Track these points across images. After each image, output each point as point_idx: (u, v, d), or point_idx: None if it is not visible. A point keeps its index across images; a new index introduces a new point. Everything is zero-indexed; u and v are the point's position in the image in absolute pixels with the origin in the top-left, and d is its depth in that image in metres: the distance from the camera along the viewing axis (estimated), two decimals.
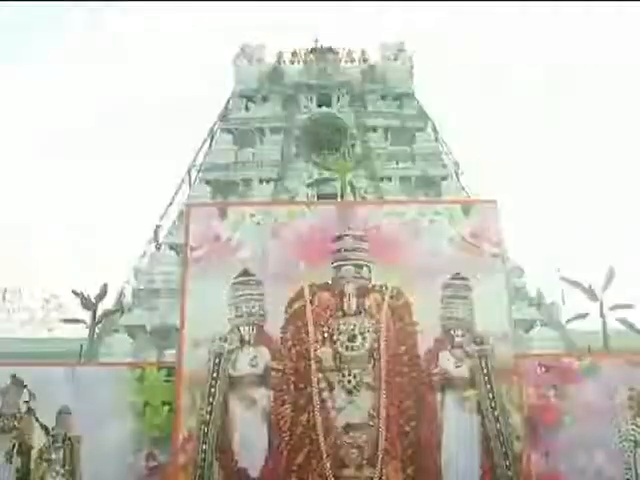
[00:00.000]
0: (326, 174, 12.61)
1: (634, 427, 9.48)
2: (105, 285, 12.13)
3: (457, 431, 9.21)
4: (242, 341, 9.50)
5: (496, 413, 9.27)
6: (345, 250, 9.90)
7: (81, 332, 14.26)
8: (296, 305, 9.60)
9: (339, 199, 11.64)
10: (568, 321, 12.60)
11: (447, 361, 9.47)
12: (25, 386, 9.61)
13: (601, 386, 9.62)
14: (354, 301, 9.61)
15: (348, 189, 11.90)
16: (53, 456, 9.30)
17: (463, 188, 15.93)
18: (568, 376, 9.64)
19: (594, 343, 11.23)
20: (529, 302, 13.74)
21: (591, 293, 11.38)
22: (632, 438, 9.42)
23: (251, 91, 26.11)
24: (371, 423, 9.15)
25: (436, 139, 21.77)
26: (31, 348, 14.55)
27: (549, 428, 9.35)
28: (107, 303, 13.06)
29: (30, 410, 9.50)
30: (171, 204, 15.64)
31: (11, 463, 9.28)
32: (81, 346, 11.72)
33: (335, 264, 9.81)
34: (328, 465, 8.99)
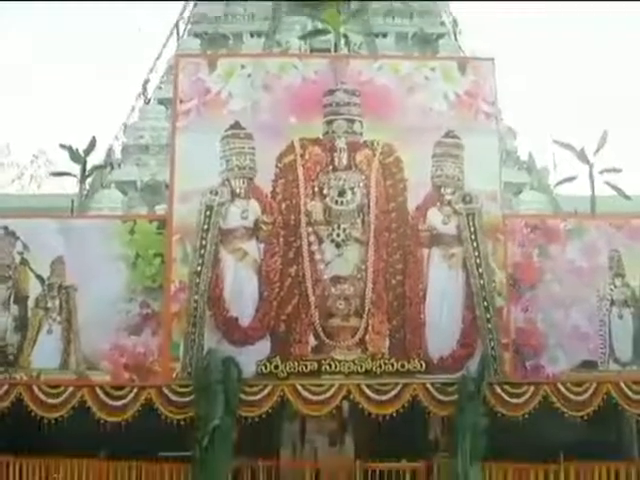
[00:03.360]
0: (319, 26, 12.05)
1: (612, 287, 9.79)
2: (94, 138, 11.93)
3: (442, 286, 9.50)
4: (233, 194, 9.53)
5: (480, 270, 9.52)
6: (337, 104, 9.72)
7: (71, 189, 14.22)
8: (286, 159, 9.56)
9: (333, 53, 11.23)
10: (557, 184, 12.67)
11: (435, 218, 9.59)
12: (18, 238, 9.67)
13: (584, 247, 9.83)
14: (345, 156, 9.57)
15: (342, 43, 11.44)
16: (49, 304, 9.54)
17: (460, 47, 15.38)
18: (553, 237, 9.82)
19: (581, 208, 11.28)
20: (520, 166, 13.70)
21: (582, 156, 11.35)
22: (609, 297, 9.76)
23: None
24: (359, 276, 9.41)
25: None
26: (21, 203, 14.49)
27: (530, 286, 9.63)
28: (96, 159, 12.93)
29: (24, 261, 9.63)
30: (159, 58, 15.12)
31: (9, 311, 9.50)
32: (72, 201, 11.68)
33: (326, 118, 9.68)
34: (316, 315, 9.32)
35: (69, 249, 9.56)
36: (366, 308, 9.35)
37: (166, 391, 9.17)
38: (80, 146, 12.14)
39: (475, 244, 9.53)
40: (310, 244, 9.40)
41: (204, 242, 9.40)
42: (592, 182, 11.39)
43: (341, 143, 9.59)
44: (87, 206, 12.40)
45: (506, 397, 9.29)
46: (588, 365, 9.52)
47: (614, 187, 11.49)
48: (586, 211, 11.15)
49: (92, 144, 12.13)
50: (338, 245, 9.41)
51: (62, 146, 12.15)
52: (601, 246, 9.85)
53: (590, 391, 9.39)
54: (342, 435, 10.24)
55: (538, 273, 9.65)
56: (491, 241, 9.58)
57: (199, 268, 9.37)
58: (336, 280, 9.37)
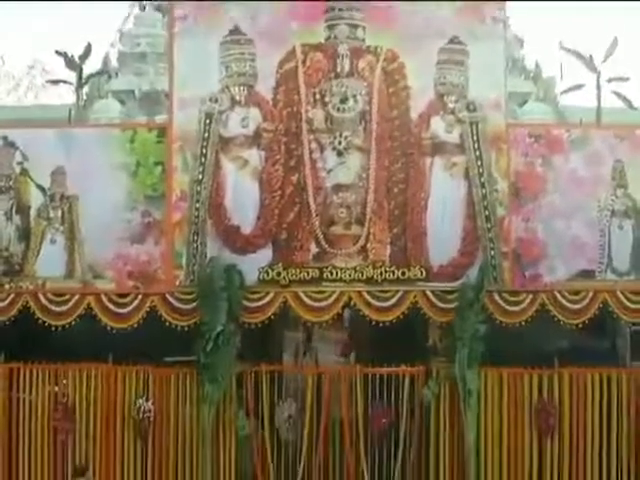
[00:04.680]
0: None
1: (614, 198, 9.76)
2: (89, 45, 11.66)
3: (443, 194, 9.48)
4: (233, 101, 9.38)
5: (483, 179, 9.48)
6: (339, 9, 9.41)
7: (68, 99, 14.03)
8: (287, 66, 9.34)
9: None
10: (564, 92, 12.41)
11: (438, 126, 9.46)
12: (17, 148, 9.59)
13: (587, 158, 9.73)
14: (347, 62, 9.36)
15: None
16: (51, 215, 9.55)
17: None
18: (556, 146, 9.71)
19: (586, 120, 11.13)
20: (526, 75, 13.41)
21: (590, 64, 11.08)
22: (610, 208, 9.75)
23: None
24: (360, 184, 9.39)
25: None
26: (19, 114, 14.33)
27: (532, 196, 9.59)
28: (93, 69, 12.68)
29: (24, 171, 9.58)
30: None
31: (11, 222, 9.53)
32: (69, 110, 11.53)
33: (328, 23, 9.40)
34: (317, 223, 9.36)
35: (69, 159, 9.49)
36: (367, 216, 9.37)
37: (170, 298, 9.31)
38: (76, 54, 11.93)
39: (478, 153, 9.45)
40: (311, 152, 9.32)
41: (204, 150, 9.32)
42: (599, 91, 11.23)
43: (343, 49, 9.35)
44: (85, 117, 12.25)
45: (504, 305, 9.43)
46: (586, 274, 9.61)
47: (621, 96, 11.31)
48: (591, 122, 11.00)
49: (87, 51, 11.90)
50: (340, 153, 9.33)
51: (57, 53, 11.92)
52: (605, 157, 9.74)
53: (587, 300, 9.52)
54: (343, 342, 10.54)
55: (540, 183, 9.60)
56: (494, 150, 9.48)
57: (200, 176, 9.33)
58: (337, 188, 9.34)
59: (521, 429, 9.37)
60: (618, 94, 11.15)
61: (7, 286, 9.42)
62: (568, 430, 9.38)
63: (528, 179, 9.59)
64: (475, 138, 9.44)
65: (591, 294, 9.53)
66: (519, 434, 9.37)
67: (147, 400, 9.30)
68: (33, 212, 9.54)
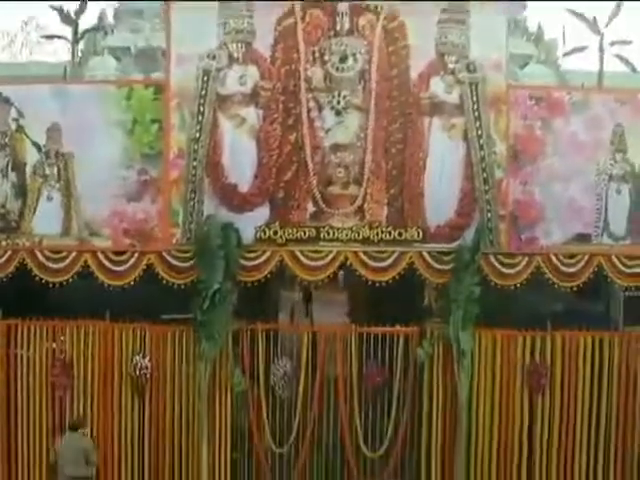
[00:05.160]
0: None
1: (612, 162, 9.74)
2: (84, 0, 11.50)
3: (442, 156, 9.45)
4: (231, 59, 9.26)
5: (481, 141, 9.44)
6: None
7: (63, 56, 13.79)
8: (286, 23, 9.21)
9: None
10: (566, 54, 12.25)
11: (438, 86, 9.37)
12: (12, 104, 9.49)
13: (587, 121, 9.68)
14: (347, 20, 9.23)
15: None
16: (47, 172, 9.51)
17: None
18: (557, 109, 9.65)
19: (588, 84, 11.00)
20: (527, 37, 13.22)
21: (593, 26, 10.95)
22: (608, 172, 9.73)
23: None
24: (358, 144, 9.34)
25: None
26: (14, 71, 14.07)
27: (530, 158, 9.57)
28: (88, 25, 12.45)
29: (20, 127, 9.50)
30: None
31: (7, 179, 9.49)
32: (65, 67, 11.35)
33: None
34: (315, 182, 9.34)
35: (65, 116, 9.41)
36: (365, 176, 9.35)
37: (167, 256, 9.34)
38: (71, 10, 11.71)
39: (477, 114, 9.38)
40: (310, 111, 9.24)
41: (202, 108, 9.24)
42: (601, 54, 11.08)
43: (343, 7, 9.21)
44: (81, 74, 12.05)
45: (500, 267, 9.48)
46: (582, 238, 9.65)
47: (623, 60, 11.18)
48: (593, 86, 10.88)
49: (83, 6, 11.69)
50: (338, 112, 9.26)
51: (52, 7, 11.72)
52: (605, 120, 9.69)
53: (582, 263, 9.58)
54: (338, 302, 10.61)
55: (539, 146, 9.56)
56: (493, 112, 9.42)
57: (197, 134, 9.27)
58: (335, 148, 9.30)
59: (513, 389, 9.52)
60: (621, 57, 11.03)
61: (4, 243, 9.43)
62: (559, 391, 9.53)
63: (527, 142, 9.55)
64: (475, 99, 9.37)
65: (586, 258, 9.59)
66: (511, 394, 9.52)
67: (144, 357, 9.39)
68: (29, 169, 9.50)
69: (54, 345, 9.55)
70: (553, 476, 9.57)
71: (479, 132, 9.41)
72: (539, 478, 9.55)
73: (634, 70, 11.22)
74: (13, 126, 9.48)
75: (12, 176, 9.52)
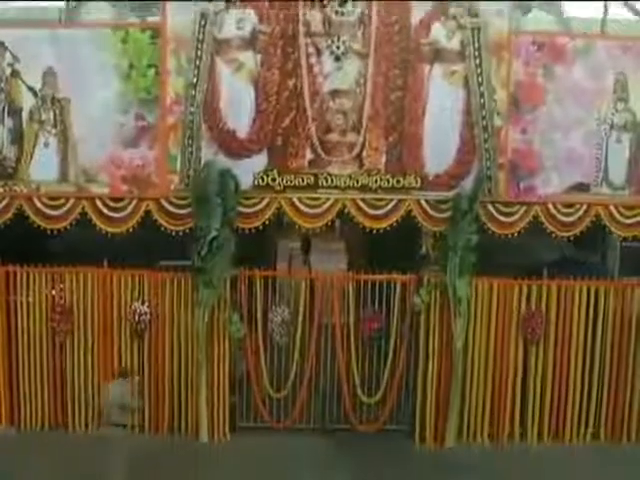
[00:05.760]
0: None
1: (614, 111, 9.63)
2: None
3: (442, 103, 9.33)
4: (228, 2, 9.06)
5: (482, 88, 9.31)
6: None
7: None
8: None
9: None
10: None
11: (439, 32, 9.21)
12: (6, 48, 9.33)
13: (590, 69, 9.53)
14: None
15: None
16: (44, 117, 9.41)
17: None
18: (559, 56, 9.49)
19: (592, 30, 10.76)
20: None
21: None
22: (609, 121, 9.63)
23: None
24: (357, 90, 9.23)
25: None
26: (7, 15, 13.76)
27: (531, 106, 9.45)
28: None
29: (15, 72, 9.37)
30: None
31: (3, 124, 9.40)
32: (59, 10, 11.12)
33: None
34: (313, 129, 9.26)
35: (60, 60, 9.27)
36: (364, 123, 9.25)
37: (164, 203, 9.33)
38: None
39: (478, 61, 9.23)
40: (309, 56, 9.10)
41: (199, 53, 9.09)
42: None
43: None
44: (75, 19, 11.82)
45: (498, 216, 9.47)
46: (580, 187, 9.60)
47: (629, 6, 10.90)
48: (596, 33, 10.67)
49: None
50: (337, 58, 9.11)
51: None
52: (607, 68, 9.54)
53: (580, 212, 9.56)
54: (336, 251, 10.63)
55: (541, 93, 9.43)
56: (495, 58, 9.27)
57: (194, 80, 9.15)
58: (334, 94, 9.19)
59: (508, 337, 9.62)
60: (627, 4, 10.76)
61: (1, 190, 9.38)
62: (554, 338, 9.64)
63: (528, 89, 9.43)
64: (476, 45, 9.21)
65: (584, 207, 9.57)
66: (506, 342, 9.63)
67: (143, 303, 9.46)
68: (25, 114, 9.39)
69: (53, 292, 9.60)
70: (546, 421, 9.75)
71: (479, 79, 9.28)
72: (532, 423, 9.74)
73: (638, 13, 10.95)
74: (8, 71, 9.34)
75: (8, 122, 9.42)
